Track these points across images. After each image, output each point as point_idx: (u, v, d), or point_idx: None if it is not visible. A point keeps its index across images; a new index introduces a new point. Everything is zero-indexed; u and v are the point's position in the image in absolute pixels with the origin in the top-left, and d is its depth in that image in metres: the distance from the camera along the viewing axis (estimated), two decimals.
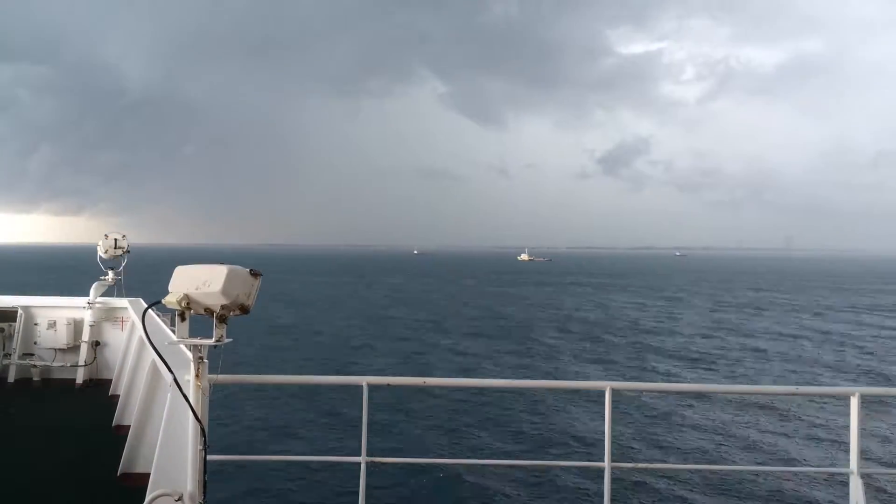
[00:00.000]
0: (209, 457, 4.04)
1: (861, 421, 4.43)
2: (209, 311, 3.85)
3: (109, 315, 12.52)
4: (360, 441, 4.43)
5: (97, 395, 10.81)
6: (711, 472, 20.44)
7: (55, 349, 12.03)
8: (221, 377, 4.23)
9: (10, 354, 11.84)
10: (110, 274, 12.53)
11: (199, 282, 3.81)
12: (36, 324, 12.13)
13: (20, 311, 12.12)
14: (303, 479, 19.48)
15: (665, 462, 22.68)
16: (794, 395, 32.41)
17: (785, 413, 29.58)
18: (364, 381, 4.45)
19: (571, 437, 25.47)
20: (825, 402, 30.70)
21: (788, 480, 20.17)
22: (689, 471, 20.62)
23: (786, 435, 26.36)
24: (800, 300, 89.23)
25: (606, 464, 4.38)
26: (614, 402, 4.55)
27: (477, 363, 41.98)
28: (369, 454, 4.38)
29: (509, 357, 44.44)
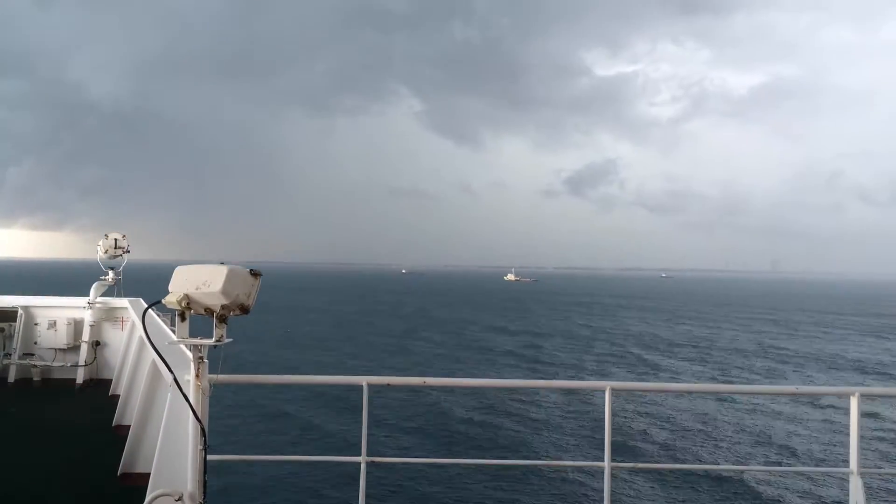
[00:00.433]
0: (209, 457, 4.03)
1: (861, 421, 4.43)
2: (209, 311, 3.84)
3: (109, 315, 12.51)
4: (360, 441, 4.43)
5: (97, 395, 10.80)
6: (711, 472, 20.43)
7: (55, 349, 12.03)
8: (221, 377, 4.22)
9: (10, 354, 11.83)
10: (110, 274, 12.52)
11: (199, 282, 3.81)
12: (36, 324, 12.12)
13: (20, 311, 12.11)
14: (303, 479, 19.48)
15: (665, 462, 22.67)
16: (794, 394, 32.47)
17: (785, 413, 29.58)
18: (364, 381, 4.45)
19: (571, 437, 25.48)
20: (825, 402, 30.71)
21: (788, 480, 20.17)
22: (689, 471, 20.61)
23: (786, 435, 26.37)
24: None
25: (606, 464, 4.38)
26: (614, 402, 4.55)
27: None
28: (369, 454, 4.37)
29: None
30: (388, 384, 4.84)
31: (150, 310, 5.63)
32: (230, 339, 3.94)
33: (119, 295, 12.57)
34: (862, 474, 4.32)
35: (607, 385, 4.50)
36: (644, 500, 18.55)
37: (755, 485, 19.96)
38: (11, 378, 11.68)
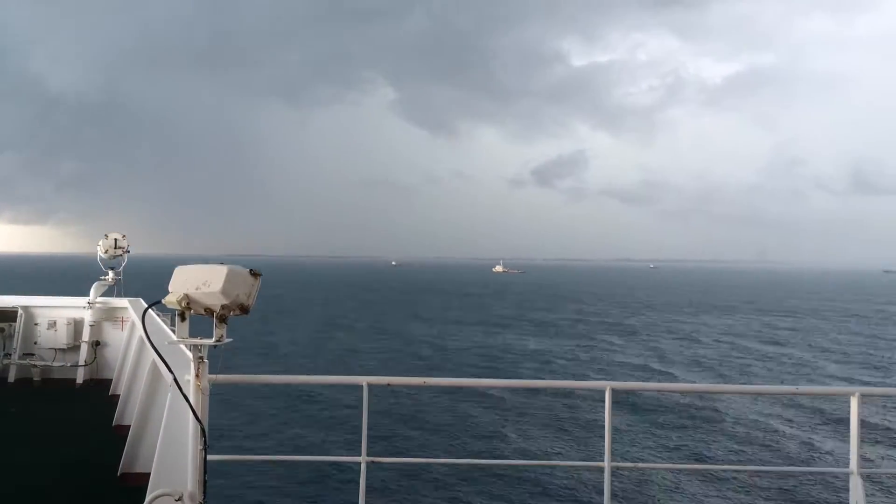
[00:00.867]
0: (209, 457, 4.04)
1: (861, 421, 4.43)
2: (209, 311, 3.85)
3: (109, 315, 12.52)
4: (360, 441, 4.43)
5: (97, 395, 10.80)
6: (711, 472, 20.44)
7: (55, 349, 12.03)
8: (221, 377, 4.22)
9: (10, 354, 11.84)
10: (110, 274, 12.53)
11: (199, 282, 3.81)
12: (36, 324, 12.12)
13: (20, 311, 12.11)
14: (303, 479, 19.48)
15: (665, 462, 22.68)
16: (794, 394, 32.46)
17: (785, 413, 29.58)
18: (364, 381, 4.46)
19: (571, 437, 25.48)
20: (825, 402, 30.71)
21: (788, 480, 20.16)
22: (689, 471, 20.61)
23: (786, 435, 26.36)
24: None
25: (606, 464, 4.38)
26: (614, 402, 4.55)
27: None
28: (369, 454, 4.38)
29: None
30: (388, 384, 4.85)
31: (150, 310, 5.64)
32: (230, 339, 3.95)
33: (119, 295, 12.58)
34: (862, 474, 4.33)
35: (607, 385, 4.50)
36: (644, 500, 18.55)
37: (755, 485, 19.96)
38: (11, 378, 11.69)
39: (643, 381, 35.57)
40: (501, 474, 19.93)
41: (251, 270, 3.91)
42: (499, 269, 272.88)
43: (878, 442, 25.13)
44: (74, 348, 12.08)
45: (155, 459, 4.71)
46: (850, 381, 39.08)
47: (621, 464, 5.00)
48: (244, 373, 4.99)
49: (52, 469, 6.94)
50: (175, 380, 4.25)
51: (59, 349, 12.03)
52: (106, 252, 12.40)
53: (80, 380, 11.79)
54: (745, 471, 20.72)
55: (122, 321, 12.33)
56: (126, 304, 12.22)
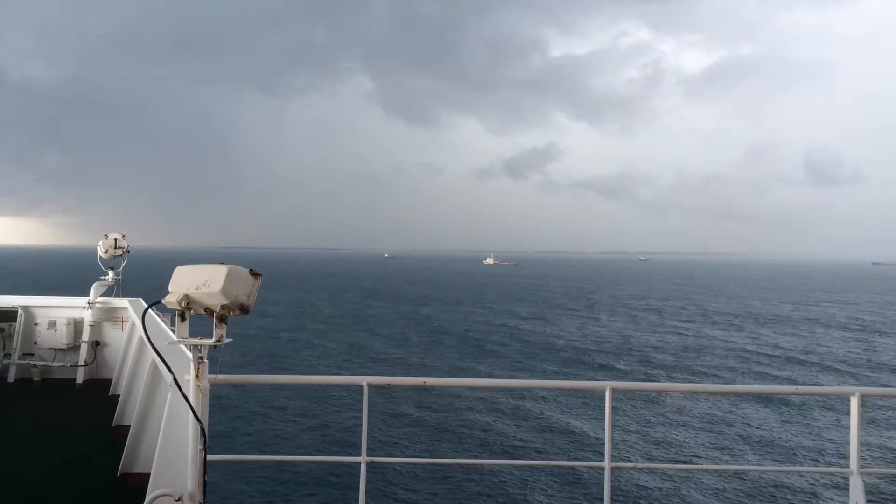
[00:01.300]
0: (209, 457, 4.04)
1: (861, 421, 4.43)
2: (209, 311, 3.85)
3: (109, 315, 12.52)
4: (360, 441, 4.43)
5: (97, 395, 10.80)
6: (711, 472, 20.44)
7: (55, 349, 12.02)
8: (221, 377, 4.22)
9: (10, 354, 11.83)
10: (110, 274, 12.52)
11: (199, 282, 3.81)
12: (36, 324, 12.12)
13: (20, 311, 12.11)
14: (303, 479, 19.48)
15: (665, 462, 22.68)
16: (794, 395, 32.49)
17: (785, 413, 29.59)
18: (364, 381, 4.46)
19: (571, 437, 25.48)
20: (825, 402, 30.72)
21: (788, 480, 20.17)
22: (689, 471, 20.62)
23: (786, 435, 26.37)
24: None
25: (606, 464, 4.39)
26: (614, 402, 4.55)
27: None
28: (369, 454, 4.38)
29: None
30: (388, 384, 4.85)
31: (150, 310, 5.63)
32: (230, 339, 3.95)
33: (119, 295, 12.57)
34: (862, 474, 4.32)
35: (607, 385, 4.50)
36: (644, 500, 18.55)
37: (755, 485, 19.96)
38: (11, 378, 11.68)
39: (643, 381, 35.56)
40: (502, 474, 19.93)
41: (251, 270, 3.91)
42: (490, 261, 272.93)
43: (878, 442, 25.13)
44: (74, 348, 12.08)
45: (155, 459, 4.70)
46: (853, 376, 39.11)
47: (621, 464, 4.99)
48: (244, 373, 5.00)
49: (52, 469, 6.93)
50: (175, 380, 4.25)
51: (59, 349, 12.03)
52: (106, 252, 12.39)
53: (80, 380, 11.79)
54: (745, 471, 20.72)
55: (122, 321, 12.32)
56: (126, 304, 12.22)
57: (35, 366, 11.85)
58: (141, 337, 8.60)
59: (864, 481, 4.31)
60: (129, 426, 6.74)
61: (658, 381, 34.91)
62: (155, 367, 6.27)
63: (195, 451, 3.99)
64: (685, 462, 23.01)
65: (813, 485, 19.92)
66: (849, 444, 4.42)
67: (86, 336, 12.08)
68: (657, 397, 31.11)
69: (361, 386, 4.45)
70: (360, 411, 4.49)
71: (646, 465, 21.77)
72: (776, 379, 38.82)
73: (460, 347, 48.92)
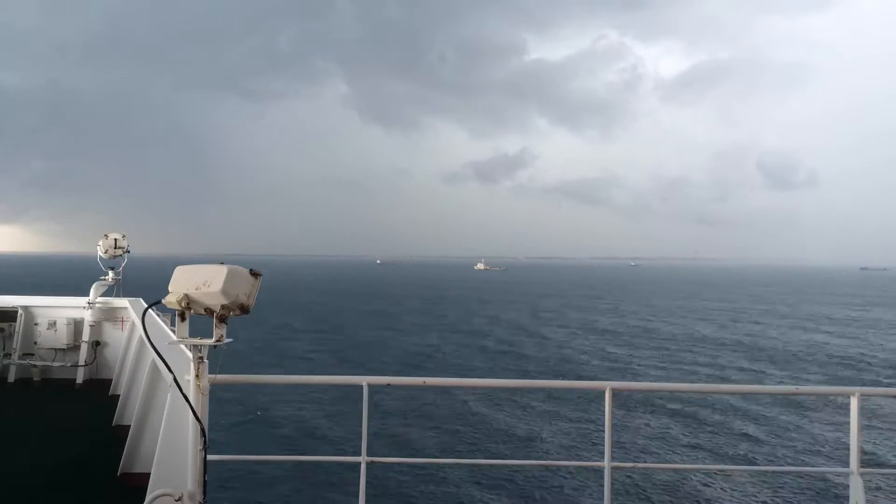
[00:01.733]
0: (209, 457, 4.03)
1: (861, 421, 4.43)
2: (209, 311, 3.85)
3: (109, 315, 12.52)
4: (360, 441, 4.43)
5: (97, 394, 10.80)
6: (711, 472, 20.44)
7: (55, 349, 12.03)
8: (221, 377, 4.22)
9: (10, 354, 11.84)
10: (110, 274, 12.53)
11: (199, 282, 3.81)
12: (36, 324, 12.13)
13: (20, 311, 12.12)
14: (303, 479, 19.48)
15: (665, 462, 22.68)
16: (794, 395, 32.46)
17: (785, 413, 29.58)
18: (364, 381, 4.46)
19: (571, 437, 25.48)
20: (825, 402, 30.71)
21: (788, 480, 20.17)
22: (689, 471, 20.62)
23: (786, 435, 26.36)
24: None
25: (606, 464, 4.39)
26: (614, 402, 4.55)
27: None
28: (369, 454, 4.38)
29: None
30: (388, 384, 4.85)
31: (150, 310, 5.63)
32: (230, 339, 3.95)
33: (119, 295, 12.58)
34: (862, 474, 4.33)
35: (607, 385, 4.50)
36: (644, 500, 18.55)
37: (755, 485, 19.96)
38: (11, 378, 11.69)
39: (643, 381, 35.56)
40: (501, 474, 19.93)
41: (251, 270, 3.92)
42: (480, 266, 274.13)
43: (878, 442, 25.12)
44: (74, 348, 12.08)
45: (155, 459, 4.70)
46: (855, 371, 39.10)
47: (621, 464, 4.99)
48: (244, 373, 4.99)
49: (52, 469, 6.93)
50: (175, 380, 4.25)
51: (59, 349, 12.03)
52: (106, 252, 12.40)
53: (80, 380, 11.80)
54: (745, 471, 20.72)
55: (122, 321, 12.33)
56: (126, 304, 12.23)
57: (35, 366, 11.86)
58: (141, 337, 8.60)
59: (864, 481, 4.31)
60: (129, 426, 6.74)
61: (658, 381, 34.90)
62: (155, 367, 6.27)
63: (195, 451, 3.99)
64: (685, 462, 23.01)
65: (813, 485, 19.91)
66: (849, 444, 4.42)
67: (86, 336, 12.09)
68: (657, 397, 31.10)
69: (361, 386, 4.45)
70: (360, 411, 4.48)
71: (646, 465, 21.77)
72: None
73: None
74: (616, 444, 23.18)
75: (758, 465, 22.78)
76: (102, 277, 12.52)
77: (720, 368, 42.43)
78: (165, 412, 4.77)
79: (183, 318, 3.93)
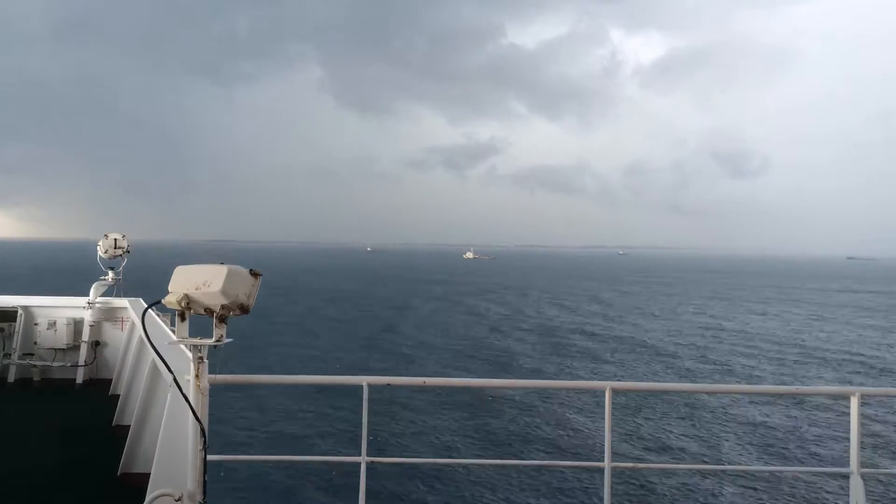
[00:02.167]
0: (209, 457, 4.03)
1: (861, 421, 4.43)
2: (209, 311, 3.84)
3: (109, 315, 12.52)
4: (360, 441, 4.43)
5: (97, 394, 10.80)
6: (711, 472, 20.44)
7: (55, 349, 12.03)
8: (221, 377, 4.22)
9: (10, 354, 11.83)
10: (110, 274, 12.52)
11: (199, 282, 3.81)
12: (36, 324, 12.12)
13: (20, 311, 12.11)
14: (303, 479, 19.48)
15: (665, 462, 22.68)
16: (794, 394, 32.47)
17: (785, 413, 29.58)
18: (364, 381, 4.46)
19: (571, 437, 25.48)
20: (825, 402, 30.72)
21: (788, 480, 20.17)
22: (689, 471, 20.62)
23: (786, 435, 26.36)
24: None
25: (606, 464, 4.38)
26: (614, 402, 4.55)
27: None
28: (369, 454, 4.38)
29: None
30: (388, 384, 4.85)
31: (150, 310, 5.63)
32: (230, 339, 3.94)
33: (119, 295, 12.58)
34: (862, 474, 4.32)
35: (607, 385, 4.50)
36: (644, 501, 18.55)
37: (755, 485, 19.96)
38: (11, 378, 11.68)
39: (643, 381, 35.57)
40: (501, 474, 19.93)
41: (251, 270, 3.91)
42: (470, 255, 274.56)
43: (878, 442, 25.13)
44: (74, 348, 12.08)
45: (155, 459, 4.70)
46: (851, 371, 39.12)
47: (621, 464, 4.99)
48: (244, 373, 4.99)
49: (52, 469, 6.93)
50: (175, 380, 4.24)
51: (59, 349, 12.03)
52: (106, 252, 12.39)
53: (79, 380, 11.79)
54: (745, 471, 20.72)
55: (122, 321, 12.33)
56: (126, 304, 12.23)
57: (35, 366, 11.85)
58: (141, 337, 8.60)
59: (864, 481, 4.31)
60: (129, 426, 6.74)
61: (658, 381, 34.91)
62: (155, 367, 6.27)
63: (195, 451, 3.99)
64: (685, 462, 23.02)
65: (813, 485, 19.91)
66: (849, 444, 4.42)
67: (86, 336, 12.08)
68: (657, 397, 31.11)
69: (361, 386, 4.45)
70: (360, 411, 4.48)
71: (646, 465, 21.78)
72: None
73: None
74: (616, 444, 23.21)
75: (758, 465, 22.78)
76: (102, 277, 12.51)
77: None
78: (165, 412, 4.78)
79: (183, 318, 3.92)
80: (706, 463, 23.10)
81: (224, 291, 3.75)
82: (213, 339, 3.89)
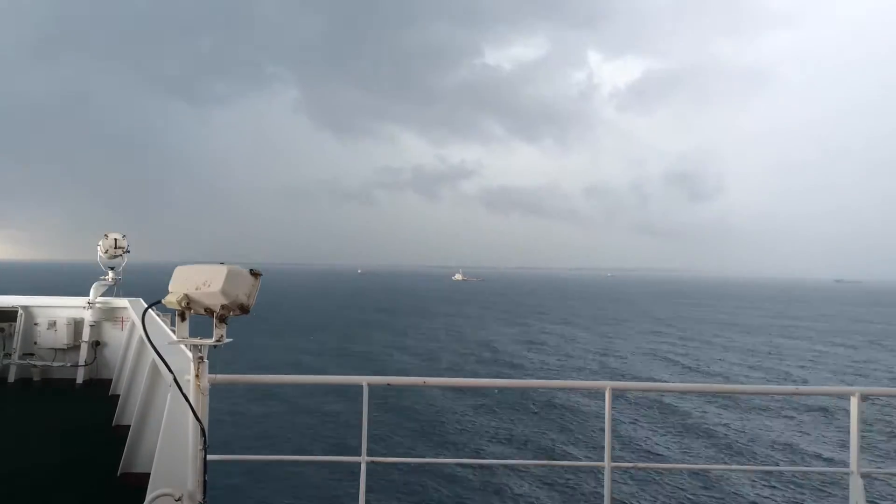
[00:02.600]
0: (209, 457, 4.03)
1: (861, 421, 4.43)
2: (209, 311, 3.84)
3: (109, 315, 12.52)
4: (360, 441, 4.43)
5: (97, 394, 10.79)
6: (711, 472, 20.44)
7: (55, 349, 12.02)
8: (221, 377, 4.21)
9: (10, 354, 11.83)
10: (110, 274, 12.52)
11: (199, 282, 3.81)
12: (36, 324, 12.12)
13: (20, 311, 12.11)
14: (303, 479, 19.48)
15: (665, 462, 22.67)
16: (794, 394, 32.46)
17: (785, 413, 29.58)
18: (364, 381, 4.45)
19: (571, 437, 25.48)
20: (825, 402, 30.72)
21: (788, 480, 20.17)
22: (689, 471, 20.61)
23: (786, 435, 26.36)
24: None
25: (606, 464, 4.38)
26: (614, 402, 4.55)
27: None
28: (369, 454, 4.37)
29: None
30: (388, 384, 4.84)
31: (150, 310, 5.63)
32: (230, 339, 3.94)
33: (119, 295, 12.57)
34: (862, 474, 4.32)
35: (607, 385, 4.50)
36: (644, 500, 18.55)
37: (755, 485, 19.96)
38: (11, 378, 11.68)
39: (643, 381, 35.57)
40: (501, 474, 19.93)
41: (251, 270, 3.91)
42: (458, 277, 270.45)
43: (877, 442, 25.13)
44: (74, 348, 12.07)
45: (155, 459, 4.70)
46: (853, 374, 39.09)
47: (621, 464, 4.99)
48: (244, 373, 4.99)
49: (52, 469, 6.93)
50: (175, 380, 4.24)
51: (59, 349, 12.02)
52: (105, 252, 12.39)
53: (80, 380, 11.79)
54: (745, 471, 20.72)
55: (122, 321, 12.33)
56: (126, 304, 12.22)
57: (35, 366, 11.86)
58: (141, 337, 8.60)
59: (864, 481, 4.31)
60: (129, 426, 6.73)
61: (658, 381, 34.91)
62: (155, 367, 6.27)
63: (195, 451, 3.99)
64: (685, 462, 23.02)
65: (813, 485, 19.92)
66: (849, 444, 4.42)
67: (86, 336, 12.08)
68: (657, 397, 31.11)
69: (361, 386, 4.45)
70: (360, 411, 4.48)
71: (646, 465, 21.77)
72: None
73: None
74: (616, 444, 23.21)
75: (758, 465, 22.77)
76: (102, 277, 12.51)
77: None
78: (165, 412, 4.77)
79: (183, 318, 3.92)
80: (706, 463, 23.10)
81: (224, 291, 3.75)
82: (214, 339, 3.88)
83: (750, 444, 25.13)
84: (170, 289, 3.88)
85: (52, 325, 12.08)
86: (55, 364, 11.97)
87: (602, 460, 4.41)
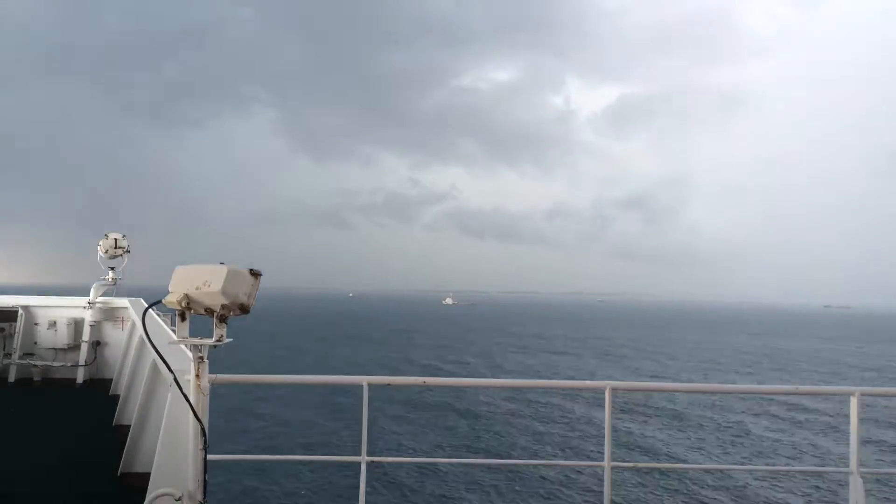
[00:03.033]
0: (209, 457, 4.03)
1: (861, 421, 4.43)
2: (209, 310, 3.84)
3: (110, 315, 12.52)
4: (360, 441, 4.43)
5: (97, 394, 10.79)
6: (711, 471, 20.44)
7: (55, 349, 12.03)
8: (221, 377, 4.21)
9: (10, 354, 11.83)
10: (110, 274, 12.52)
11: (199, 282, 3.80)
12: (36, 324, 12.12)
13: (21, 311, 12.11)
14: (303, 479, 19.48)
15: (665, 462, 22.68)
16: (794, 394, 32.47)
17: (785, 413, 29.59)
18: (364, 380, 4.45)
19: (571, 437, 25.48)
20: (825, 402, 30.73)
21: (788, 480, 20.17)
22: (689, 471, 20.61)
23: (786, 435, 26.36)
24: None
25: (606, 464, 4.38)
26: (614, 402, 4.55)
27: None
28: (369, 454, 4.37)
29: None
30: (388, 384, 4.84)
31: (150, 310, 5.63)
32: (230, 339, 3.94)
33: (119, 295, 12.57)
34: (862, 474, 4.32)
35: (607, 385, 4.50)
36: (644, 501, 18.55)
37: (755, 485, 19.96)
38: (11, 378, 11.69)
39: (643, 381, 35.59)
40: (502, 474, 19.93)
41: (251, 270, 3.92)
42: (449, 301, 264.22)
43: (878, 442, 25.13)
44: (74, 348, 12.08)
45: (155, 459, 4.69)
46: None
47: (621, 464, 4.99)
48: (244, 373, 4.99)
49: (52, 469, 6.93)
50: (175, 380, 4.24)
51: (60, 349, 12.03)
52: (106, 252, 12.39)
53: (80, 380, 11.79)
54: (745, 471, 20.72)
55: (123, 321, 12.33)
56: (126, 304, 12.22)
57: (35, 366, 11.86)
58: (141, 337, 8.60)
59: (864, 481, 4.31)
60: (130, 426, 6.73)
61: (658, 381, 34.96)
62: (155, 367, 6.26)
63: (195, 451, 3.98)
64: (685, 462, 23.02)
65: (813, 485, 19.92)
66: (849, 444, 4.42)
67: (86, 336, 12.09)
68: (657, 397, 31.12)
69: (361, 386, 4.45)
70: (360, 411, 4.48)
71: (646, 465, 21.79)
72: None
73: None
74: (616, 444, 23.21)
75: (758, 464, 22.78)
76: (102, 277, 12.51)
77: None
78: (165, 412, 4.77)
79: (183, 318, 3.92)
80: (706, 463, 23.10)
81: (224, 291, 3.75)
82: (214, 339, 3.89)
83: (750, 443, 25.14)
84: (170, 289, 3.88)
85: (53, 325, 12.09)
86: (55, 364, 11.98)
87: (602, 460, 4.41)
